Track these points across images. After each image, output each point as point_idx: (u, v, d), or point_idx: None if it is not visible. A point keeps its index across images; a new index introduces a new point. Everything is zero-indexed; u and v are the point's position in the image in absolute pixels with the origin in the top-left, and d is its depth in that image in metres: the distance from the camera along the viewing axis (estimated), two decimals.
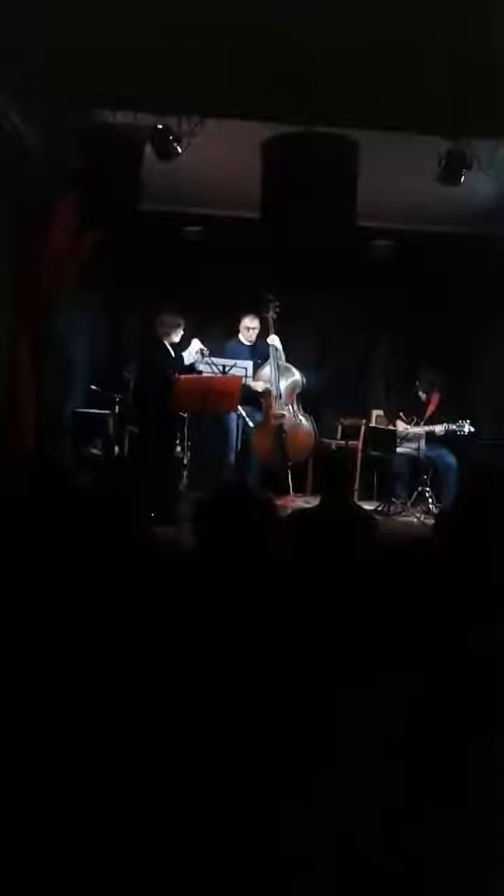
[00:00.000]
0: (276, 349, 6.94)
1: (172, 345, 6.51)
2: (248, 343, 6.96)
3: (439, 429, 6.52)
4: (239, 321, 6.98)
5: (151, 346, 6.63)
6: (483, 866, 1.41)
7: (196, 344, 6.43)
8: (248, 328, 6.94)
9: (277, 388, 6.92)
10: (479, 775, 1.45)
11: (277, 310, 6.94)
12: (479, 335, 7.42)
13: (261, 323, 6.96)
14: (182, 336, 6.55)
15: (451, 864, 1.41)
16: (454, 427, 6.45)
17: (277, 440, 6.84)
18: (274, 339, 6.94)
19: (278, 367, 6.93)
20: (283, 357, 7.00)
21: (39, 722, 1.51)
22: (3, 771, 1.46)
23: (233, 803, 1.43)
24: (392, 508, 6.59)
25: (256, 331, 6.94)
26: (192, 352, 6.41)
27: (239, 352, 6.78)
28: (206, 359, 6.36)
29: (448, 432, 6.48)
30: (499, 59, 4.13)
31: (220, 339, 6.99)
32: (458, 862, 1.41)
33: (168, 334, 6.50)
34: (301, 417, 6.98)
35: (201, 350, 6.38)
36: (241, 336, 6.96)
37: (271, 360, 6.92)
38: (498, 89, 4.31)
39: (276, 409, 6.89)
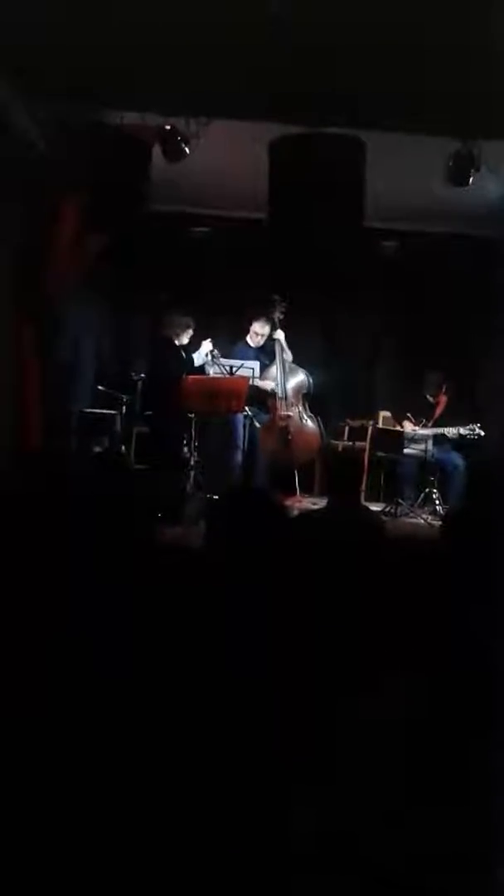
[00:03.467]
0: (281, 345, 6.91)
1: (182, 345, 6.50)
2: (255, 347, 6.95)
3: (452, 432, 6.50)
4: (249, 324, 6.97)
5: (160, 346, 6.63)
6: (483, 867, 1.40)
7: (206, 346, 6.42)
8: (258, 333, 6.92)
9: (283, 389, 6.91)
10: (486, 777, 1.45)
11: (283, 310, 6.93)
12: (488, 337, 7.39)
13: (266, 323, 6.94)
14: (191, 336, 6.54)
15: (451, 864, 1.40)
16: (465, 432, 6.43)
17: (283, 441, 6.83)
18: (279, 335, 6.91)
19: (284, 367, 6.92)
20: (290, 355, 6.98)
21: (43, 724, 1.51)
22: (5, 772, 1.46)
23: (236, 803, 1.43)
24: (399, 510, 6.57)
25: (265, 336, 6.93)
26: (203, 353, 6.41)
27: (246, 355, 6.77)
28: (215, 360, 6.36)
29: (459, 436, 6.47)
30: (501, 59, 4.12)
31: (227, 340, 6.97)
32: (458, 863, 1.41)
33: (178, 335, 6.49)
34: (307, 418, 6.97)
35: (211, 351, 6.38)
36: (248, 339, 6.95)
37: (277, 357, 6.91)
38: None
39: (282, 409, 6.88)
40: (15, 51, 4.31)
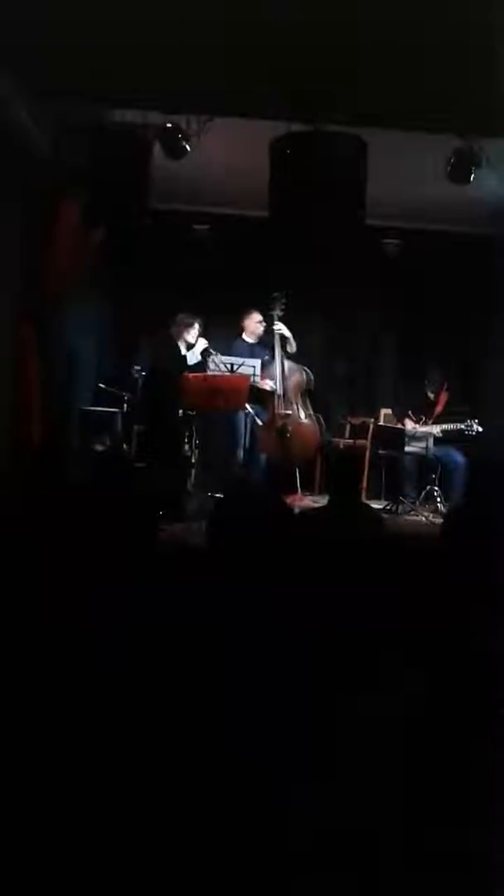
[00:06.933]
0: (284, 336, 6.87)
1: (187, 344, 6.50)
2: (251, 341, 6.93)
3: (437, 430, 6.51)
4: (242, 319, 6.96)
5: (163, 344, 6.62)
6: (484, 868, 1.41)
7: (202, 343, 6.42)
8: (257, 323, 6.91)
9: (283, 387, 6.90)
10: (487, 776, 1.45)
11: (284, 307, 6.92)
12: (489, 334, 7.39)
13: (266, 320, 6.92)
14: (197, 336, 6.53)
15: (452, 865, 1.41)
16: (462, 427, 6.43)
17: (282, 439, 6.82)
18: (281, 328, 6.85)
19: (283, 365, 6.91)
20: (294, 345, 6.93)
21: (43, 721, 1.51)
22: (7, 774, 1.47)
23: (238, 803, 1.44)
24: (400, 507, 6.57)
25: (262, 326, 6.91)
26: (197, 351, 6.41)
27: (243, 351, 6.76)
28: (215, 357, 6.35)
29: (456, 432, 6.47)
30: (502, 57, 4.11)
31: (227, 338, 6.96)
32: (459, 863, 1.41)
33: (182, 334, 6.49)
34: (306, 416, 6.96)
35: (207, 349, 6.38)
36: (244, 335, 6.94)
37: (276, 354, 6.89)
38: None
39: (282, 408, 6.87)
40: (15, 50, 4.30)
